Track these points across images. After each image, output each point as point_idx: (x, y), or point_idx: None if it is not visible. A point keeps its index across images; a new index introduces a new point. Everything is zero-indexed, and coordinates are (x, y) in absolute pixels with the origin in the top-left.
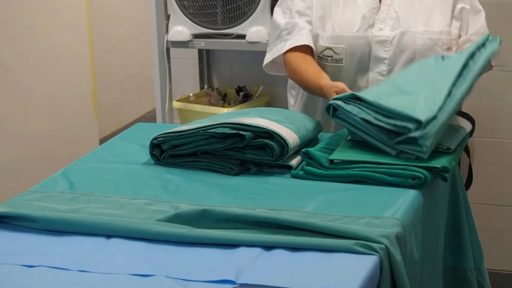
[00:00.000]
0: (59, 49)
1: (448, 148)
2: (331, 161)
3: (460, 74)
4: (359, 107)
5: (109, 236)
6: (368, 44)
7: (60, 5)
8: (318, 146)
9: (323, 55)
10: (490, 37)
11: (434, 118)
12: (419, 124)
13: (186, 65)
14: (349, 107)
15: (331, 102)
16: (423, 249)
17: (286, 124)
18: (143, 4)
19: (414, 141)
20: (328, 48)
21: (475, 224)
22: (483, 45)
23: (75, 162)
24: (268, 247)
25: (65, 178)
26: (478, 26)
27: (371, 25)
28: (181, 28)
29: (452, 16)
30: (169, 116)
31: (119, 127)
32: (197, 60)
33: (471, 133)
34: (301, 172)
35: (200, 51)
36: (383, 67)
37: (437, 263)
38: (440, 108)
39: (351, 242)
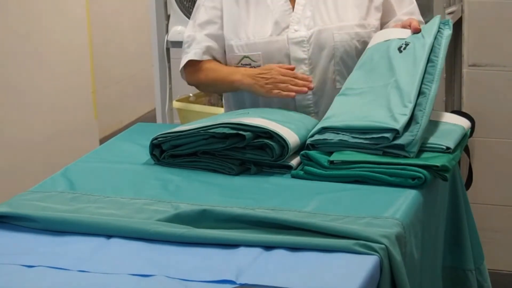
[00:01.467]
0: (59, 49)
1: (448, 148)
2: (331, 162)
3: (425, 70)
4: (333, 133)
5: (109, 236)
6: (285, 47)
7: (60, 5)
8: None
9: (241, 64)
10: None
11: (414, 119)
12: (395, 131)
13: None
14: (324, 136)
15: (309, 142)
16: (422, 249)
17: (286, 124)
18: (143, 4)
19: (401, 146)
20: (245, 56)
21: (475, 224)
22: (438, 31)
23: (75, 162)
24: (268, 247)
25: (65, 178)
26: (407, 7)
27: (285, 28)
28: (181, 28)
29: (370, 8)
30: (169, 116)
31: (119, 127)
32: None
33: (471, 133)
34: (301, 172)
35: None
36: (304, 68)
37: (436, 263)
38: (414, 108)
39: (351, 242)
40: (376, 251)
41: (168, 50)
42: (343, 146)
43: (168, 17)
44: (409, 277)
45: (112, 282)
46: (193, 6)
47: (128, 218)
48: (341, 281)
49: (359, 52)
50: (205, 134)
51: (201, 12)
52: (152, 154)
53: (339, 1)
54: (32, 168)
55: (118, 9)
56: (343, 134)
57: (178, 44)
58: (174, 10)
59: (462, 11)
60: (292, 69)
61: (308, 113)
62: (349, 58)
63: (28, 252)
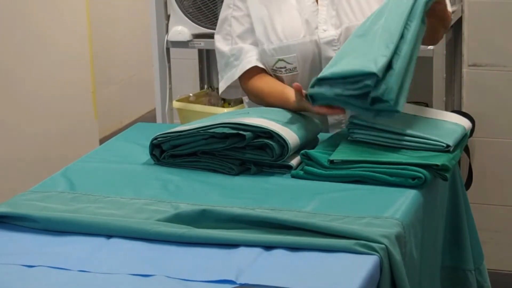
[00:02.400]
0: (59, 49)
1: (448, 146)
2: (331, 161)
3: (410, 10)
4: (329, 85)
5: (109, 236)
6: (317, 47)
7: (60, 5)
8: (318, 146)
9: (276, 67)
10: None
11: (390, 66)
12: (376, 76)
13: (186, 65)
14: (322, 89)
15: (308, 93)
16: (422, 249)
17: (286, 124)
18: (143, 4)
19: (378, 99)
20: (279, 60)
21: (475, 224)
22: None
23: (75, 162)
24: (268, 247)
25: (65, 178)
26: None
27: (315, 28)
28: (181, 28)
29: None
30: (169, 116)
31: (119, 127)
32: (197, 60)
33: (471, 133)
34: (301, 172)
35: (200, 51)
36: None
37: (435, 263)
38: (395, 53)
39: (351, 242)
40: (376, 251)
41: (168, 50)
42: (339, 101)
43: (168, 17)
44: (409, 277)
45: (112, 282)
46: (193, 6)
47: (128, 218)
48: (341, 281)
49: None
50: (205, 134)
51: (234, 24)
52: (152, 154)
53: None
54: (32, 168)
55: (118, 9)
56: (337, 87)
57: (178, 44)
58: (174, 10)
59: (462, 11)
60: None
61: (339, 124)
62: None
63: (28, 252)
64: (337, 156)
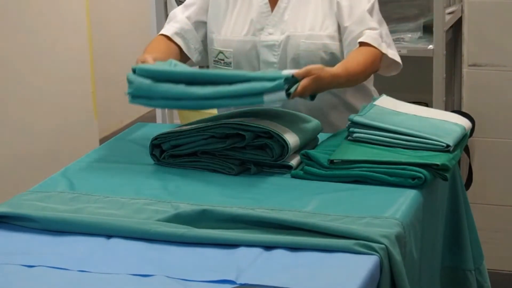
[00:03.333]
0: (59, 49)
1: (448, 145)
2: (331, 161)
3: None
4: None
5: (109, 236)
6: (255, 49)
7: (60, 5)
8: (318, 146)
9: (217, 58)
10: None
11: None
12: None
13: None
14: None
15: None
16: (422, 249)
17: (286, 124)
18: (143, 4)
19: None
20: (220, 52)
21: (475, 224)
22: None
23: (75, 162)
24: (268, 247)
25: (65, 178)
26: (358, 12)
27: (259, 30)
28: None
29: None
30: (169, 116)
31: (119, 127)
32: None
33: (471, 133)
34: (301, 172)
35: None
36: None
37: (435, 263)
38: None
39: (351, 242)
40: (376, 251)
41: None
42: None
43: (168, 17)
44: (409, 277)
45: (112, 282)
46: None
47: (128, 218)
48: (341, 281)
49: (325, 63)
50: (205, 134)
51: None
52: (152, 154)
53: (318, 9)
54: (32, 168)
55: (118, 9)
56: None
57: None
58: None
59: (462, 11)
60: None
61: None
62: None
63: (28, 252)
64: (337, 156)
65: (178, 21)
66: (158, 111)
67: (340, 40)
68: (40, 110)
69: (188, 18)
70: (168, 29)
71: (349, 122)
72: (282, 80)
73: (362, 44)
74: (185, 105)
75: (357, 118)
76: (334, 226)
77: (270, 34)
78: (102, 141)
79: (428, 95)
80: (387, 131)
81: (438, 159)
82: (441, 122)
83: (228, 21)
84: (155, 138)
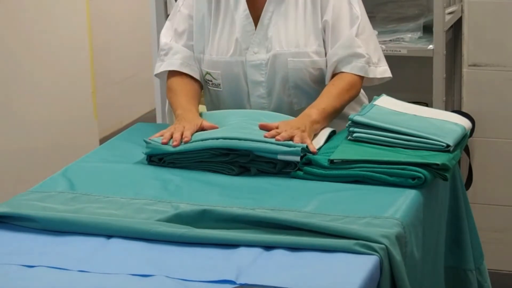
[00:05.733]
0: (59, 49)
1: (448, 145)
2: (331, 161)
3: None
4: None
5: (109, 236)
6: (243, 69)
7: (60, 5)
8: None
9: (205, 79)
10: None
11: None
12: None
13: None
14: None
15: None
16: (423, 249)
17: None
18: (143, 4)
19: None
20: (207, 73)
21: (475, 224)
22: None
23: (75, 162)
24: (268, 247)
25: (65, 178)
26: (346, 36)
27: (245, 49)
28: None
29: (320, 34)
30: (169, 116)
31: (119, 127)
32: None
33: (471, 133)
34: (301, 172)
35: None
36: (262, 90)
37: (438, 263)
38: None
39: (351, 242)
40: (376, 251)
41: None
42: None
43: (168, 17)
44: (410, 277)
45: (112, 282)
46: None
47: (128, 218)
48: (341, 281)
49: (314, 78)
50: (206, 153)
51: (178, 18)
52: (150, 160)
53: (301, 25)
54: (32, 168)
55: (118, 9)
56: None
57: None
58: None
59: (462, 11)
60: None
61: None
62: (303, 83)
63: (28, 252)
64: (337, 156)
65: (177, 52)
66: (158, 111)
67: (323, 55)
68: (40, 110)
69: (185, 46)
70: (173, 63)
71: (349, 122)
72: (299, 149)
73: (344, 72)
74: (200, 156)
75: (357, 117)
76: (334, 226)
77: (256, 53)
78: (102, 141)
79: (428, 95)
80: (387, 131)
81: (438, 159)
82: (441, 122)
83: (212, 40)
84: (150, 156)
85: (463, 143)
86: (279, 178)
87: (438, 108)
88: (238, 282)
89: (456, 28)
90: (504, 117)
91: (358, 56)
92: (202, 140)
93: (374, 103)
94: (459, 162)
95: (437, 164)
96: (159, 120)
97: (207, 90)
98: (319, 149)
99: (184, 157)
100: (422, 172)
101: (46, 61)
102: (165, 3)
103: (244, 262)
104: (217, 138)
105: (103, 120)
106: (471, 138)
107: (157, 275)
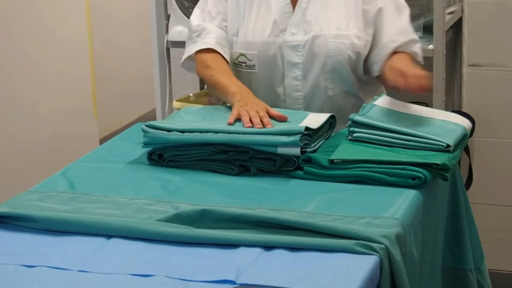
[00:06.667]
0: (59, 49)
1: (448, 145)
2: (331, 161)
3: None
4: None
5: (109, 236)
6: (280, 50)
7: (60, 5)
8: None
9: (237, 61)
10: None
11: None
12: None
13: None
14: None
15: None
16: (422, 249)
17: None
18: (143, 4)
19: None
20: (241, 54)
21: (475, 224)
22: None
23: (75, 162)
24: (268, 247)
25: (65, 178)
26: (400, 24)
27: (283, 30)
28: (181, 28)
29: (364, 22)
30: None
31: (119, 127)
32: None
33: (471, 133)
34: (301, 172)
35: None
36: (297, 72)
37: (436, 263)
38: None
39: (351, 242)
40: (376, 251)
41: (168, 50)
42: None
43: (168, 17)
44: (409, 277)
45: (112, 282)
46: (193, 6)
47: (128, 218)
48: (341, 281)
49: (352, 62)
50: (207, 149)
51: (211, 2)
52: (151, 159)
53: (339, 9)
54: (32, 168)
55: (118, 9)
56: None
57: (178, 44)
58: (174, 10)
59: (462, 11)
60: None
61: None
62: (341, 67)
63: (28, 252)
64: (337, 156)
65: (211, 31)
66: (158, 111)
67: (363, 40)
68: (40, 110)
69: (219, 27)
70: (207, 42)
71: (349, 122)
72: (297, 137)
73: (404, 52)
74: (199, 153)
75: (357, 117)
76: (334, 226)
77: (293, 34)
78: (102, 141)
79: (428, 95)
80: (387, 131)
81: (438, 158)
82: (441, 122)
83: (247, 22)
84: (152, 149)
85: (463, 143)
86: (279, 178)
87: (438, 108)
88: (238, 282)
89: (456, 28)
90: (504, 117)
91: (415, 41)
92: (201, 131)
93: (375, 103)
94: (459, 162)
95: (437, 164)
96: (159, 120)
97: (235, 73)
98: (317, 130)
99: (184, 154)
100: (422, 172)
101: (46, 61)
102: (165, 3)
103: (244, 262)
104: (217, 132)
105: (103, 120)
106: (471, 138)
107: (157, 275)
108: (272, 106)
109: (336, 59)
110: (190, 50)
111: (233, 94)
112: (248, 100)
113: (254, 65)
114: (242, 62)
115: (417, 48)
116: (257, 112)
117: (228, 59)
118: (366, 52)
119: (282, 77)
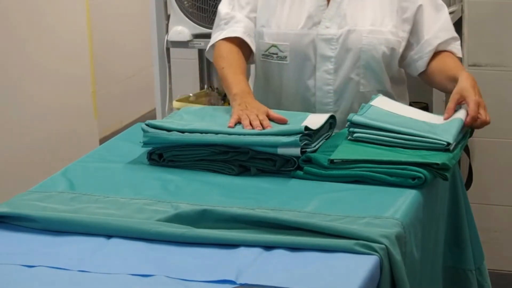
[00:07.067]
0: (59, 49)
1: (448, 144)
2: (331, 161)
3: None
4: None
5: (109, 236)
6: (313, 42)
7: (60, 5)
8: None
9: (268, 52)
10: None
11: None
12: None
13: (186, 65)
14: None
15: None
16: (423, 249)
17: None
18: (143, 4)
19: None
20: (273, 45)
21: (475, 224)
22: None
23: (75, 162)
24: (268, 247)
25: (65, 178)
26: (442, 21)
27: (317, 23)
28: (181, 28)
29: (401, 19)
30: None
31: (119, 127)
32: (197, 60)
33: (471, 133)
34: (301, 172)
35: (200, 51)
36: (329, 66)
37: (436, 263)
38: None
39: (351, 242)
40: (376, 251)
41: (168, 50)
42: None
43: (168, 17)
44: (409, 277)
45: (112, 282)
46: (193, 6)
47: (128, 218)
48: (341, 281)
49: (386, 58)
50: (207, 151)
51: None
52: (151, 159)
53: (374, 5)
54: (32, 168)
55: (118, 9)
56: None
57: (178, 44)
58: (174, 10)
59: (462, 11)
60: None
61: (327, 111)
62: (375, 62)
63: (28, 252)
64: (337, 155)
65: (239, 20)
66: (158, 112)
67: (398, 36)
68: (40, 110)
69: (247, 17)
70: (235, 31)
71: (348, 122)
72: (297, 137)
73: (447, 51)
74: (199, 153)
75: (356, 117)
76: (334, 226)
77: (327, 27)
78: (102, 141)
79: (428, 95)
80: (387, 131)
81: (439, 158)
82: (439, 120)
83: (280, 14)
84: (152, 149)
85: (463, 143)
86: (279, 178)
87: (438, 108)
88: (238, 282)
89: (456, 28)
90: (504, 117)
91: (456, 39)
92: (201, 132)
93: (371, 103)
94: (459, 162)
95: (437, 164)
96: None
97: (264, 65)
98: (317, 131)
99: (184, 154)
100: (422, 172)
101: (46, 61)
102: (165, 3)
103: (244, 262)
104: (217, 133)
105: (103, 120)
106: (471, 138)
107: (157, 275)
108: (302, 99)
109: (370, 54)
110: (216, 36)
111: (234, 96)
112: (248, 104)
113: (286, 57)
114: (274, 53)
115: (457, 45)
116: (257, 116)
117: (254, 50)
118: (401, 50)
119: (313, 69)
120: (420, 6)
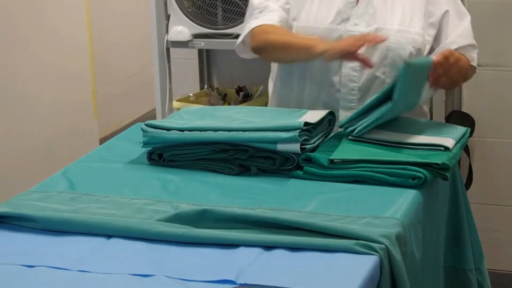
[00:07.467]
0: (59, 49)
1: (447, 148)
2: (331, 161)
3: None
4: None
5: (109, 236)
6: (341, 38)
7: (60, 5)
8: (319, 147)
9: None
10: None
11: None
12: None
13: (186, 65)
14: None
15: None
16: (423, 249)
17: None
18: (143, 4)
19: None
20: None
21: (475, 224)
22: None
23: (75, 162)
24: (268, 247)
25: (65, 178)
26: (462, 28)
27: (345, 20)
28: (181, 28)
29: (427, 22)
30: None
31: (119, 127)
32: (197, 60)
33: (471, 133)
34: (301, 172)
35: (200, 51)
36: (356, 62)
37: (437, 263)
38: None
39: (351, 242)
40: (376, 251)
41: (168, 50)
42: None
43: (168, 17)
44: (410, 276)
45: (112, 282)
46: (193, 6)
47: (128, 218)
48: (341, 281)
49: (412, 57)
50: (207, 149)
51: None
52: (150, 159)
53: (403, 6)
54: (32, 168)
55: (118, 9)
56: None
57: (178, 44)
58: (174, 10)
59: None
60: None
61: (350, 109)
62: (401, 61)
63: (28, 252)
64: (337, 155)
65: (272, 10)
66: (158, 112)
67: (424, 38)
68: (40, 110)
69: (282, 8)
70: (271, 19)
71: (346, 125)
72: (297, 133)
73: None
74: (199, 152)
75: (356, 119)
76: (334, 226)
77: (356, 24)
78: (102, 141)
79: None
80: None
81: (439, 158)
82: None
83: (310, 8)
84: (152, 149)
85: (463, 143)
86: (279, 178)
87: (438, 108)
88: (238, 282)
89: None
90: (504, 117)
91: (474, 47)
92: (200, 130)
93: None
94: (459, 162)
95: (437, 164)
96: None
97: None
98: (316, 125)
99: (183, 153)
100: (422, 172)
101: (46, 61)
102: (165, 3)
103: (244, 262)
104: (216, 130)
105: (103, 120)
106: (471, 138)
107: (157, 275)
108: (326, 95)
109: (397, 53)
110: (251, 25)
111: (314, 47)
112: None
113: None
114: None
115: (474, 53)
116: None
117: None
118: (426, 52)
119: (339, 66)
120: (446, 12)
